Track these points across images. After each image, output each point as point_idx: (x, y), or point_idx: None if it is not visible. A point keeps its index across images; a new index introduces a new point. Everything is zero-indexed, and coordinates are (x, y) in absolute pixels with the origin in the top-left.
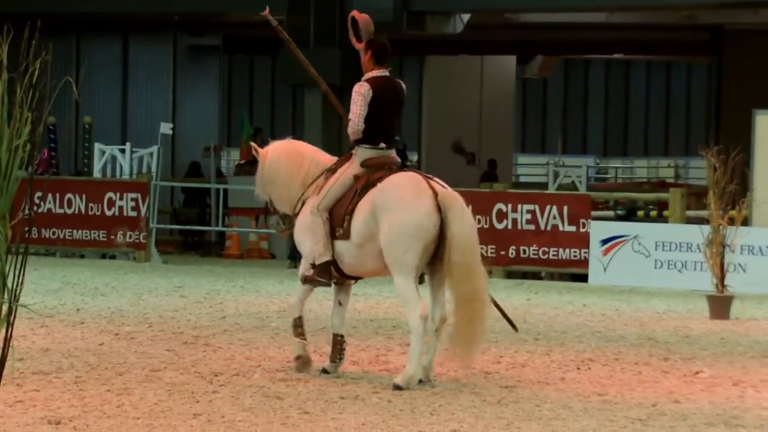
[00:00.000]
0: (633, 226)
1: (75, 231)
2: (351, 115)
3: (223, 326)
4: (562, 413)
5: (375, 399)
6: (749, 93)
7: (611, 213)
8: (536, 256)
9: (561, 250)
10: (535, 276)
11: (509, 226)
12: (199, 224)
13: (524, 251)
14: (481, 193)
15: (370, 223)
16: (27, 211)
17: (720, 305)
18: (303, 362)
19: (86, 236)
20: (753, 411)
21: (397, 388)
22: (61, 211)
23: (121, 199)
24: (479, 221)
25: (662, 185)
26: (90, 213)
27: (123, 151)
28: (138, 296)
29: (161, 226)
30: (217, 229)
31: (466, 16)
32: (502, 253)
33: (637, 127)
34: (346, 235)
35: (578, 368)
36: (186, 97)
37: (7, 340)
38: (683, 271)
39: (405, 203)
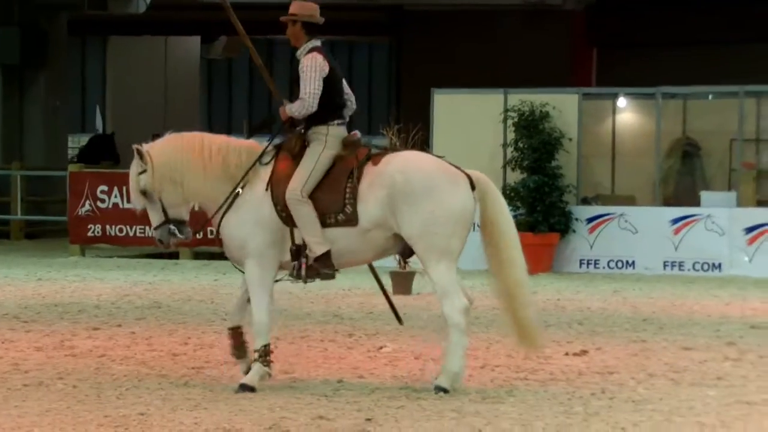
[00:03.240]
0: None
1: None
2: (304, 93)
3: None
4: (248, 392)
5: (60, 385)
6: (428, 72)
7: None
8: None
9: None
10: (223, 257)
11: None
12: None
13: (211, 232)
14: None
15: (385, 209)
16: None
17: (402, 281)
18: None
19: None
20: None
21: (442, 390)
22: None
23: None
24: None
25: None
26: None
27: None
28: None
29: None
30: None
31: None
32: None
33: None
34: (350, 222)
35: None
36: None
37: None
38: None
39: (443, 187)
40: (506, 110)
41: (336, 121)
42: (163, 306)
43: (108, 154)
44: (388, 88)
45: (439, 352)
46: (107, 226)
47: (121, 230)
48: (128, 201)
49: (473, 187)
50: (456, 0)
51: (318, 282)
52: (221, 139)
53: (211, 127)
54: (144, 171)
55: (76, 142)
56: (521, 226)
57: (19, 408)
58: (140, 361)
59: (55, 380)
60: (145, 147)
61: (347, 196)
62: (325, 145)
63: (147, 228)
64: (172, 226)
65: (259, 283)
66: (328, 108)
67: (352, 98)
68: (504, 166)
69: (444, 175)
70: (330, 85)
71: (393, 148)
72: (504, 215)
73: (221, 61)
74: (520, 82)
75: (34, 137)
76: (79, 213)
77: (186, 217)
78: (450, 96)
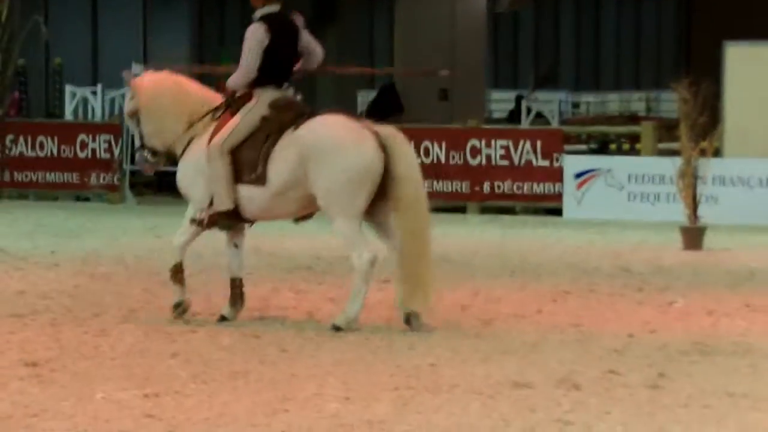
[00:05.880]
0: (606, 160)
1: (48, 173)
2: (242, 64)
3: (199, 266)
4: (538, 346)
5: (352, 336)
6: (718, 25)
7: (584, 147)
8: (510, 192)
9: (535, 184)
10: (510, 211)
11: (483, 162)
12: (173, 164)
13: (498, 186)
14: (453, 129)
15: (297, 170)
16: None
17: (693, 236)
18: (183, 309)
19: (59, 179)
20: (726, 339)
21: (337, 329)
22: (34, 154)
23: (93, 141)
24: (453, 157)
25: (634, 119)
26: (63, 155)
27: (95, 93)
28: (113, 237)
29: (135, 167)
30: None
31: None
32: (477, 188)
33: (608, 61)
34: (260, 181)
35: (554, 301)
36: (157, 38)
37: None
38: (656, 204)
39: (348, 146)
40: None
41: (271, 86)
42: (451, 259)
43: (394, 106)
44: (677, 42)
45: (729, 307)
46: None
47: None
48: (417, 155)
49: (383, 145)
50: None
51: (606, 237)
52: (195, 87)
53: (496, 82)
54: (132, 97)
55: (365, 98)
56: None
57: (313, 357)
58: (430, 312)
59: (347, 331)
60: (139, 77)
61: (261, 156)
62: (254, 106)
63: (434, 182)
64: (146, 152)
65: (192, 225)
66: (266, 74)
67: (317, 50)
68: None
69: (350, 134)
70: (270, 54)
71: (316, 112)
72: (408, 169)
73: (507, 15)
74: None
75: (325, 94)
76: None
77: (159, 148)
78: (744, 49)
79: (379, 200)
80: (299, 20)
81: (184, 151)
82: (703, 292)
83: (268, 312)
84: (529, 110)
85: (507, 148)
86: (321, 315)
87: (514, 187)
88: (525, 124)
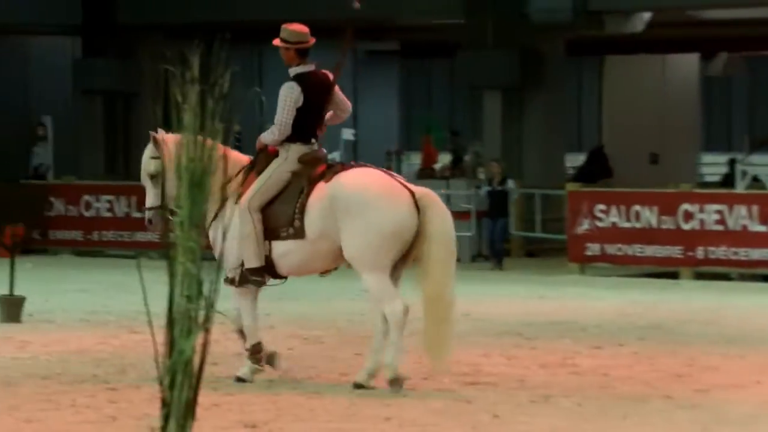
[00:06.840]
0: None
1: None
2: (277, 122)
3: (411, 329)
4: (759, 418)
5: (566, 403)
6: None
7: None
8: (725, 257)
9: (751, 250)
10: (725, 277)
11: (696, 227)
12: None
13: (712, 252)
14: (665, 193)
15: (328, 221)
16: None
17: None
18: (245, 380)
19: None
20: None
21: (396, 384)
22: None
23: None
24: (665, 222)
25: None
26: None
27: None
28: (326, 300)
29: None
30: None
31: (646, 15)
32: (690, 254)
33: None
34: (299, 235)
35: None
36: (366, 102)
37: (204, 345)
38: None
39: (382, 202)
40: None
41: (299, 143)
42: (664, 326)
43: (603, 170)
44: None
45: None
46: (605, 245)
47: (619, 249)
48: (627, 219)
49: (417, 204)
50: None
51: None
52: (227, 150)
53: (708, 145)
54: (157, 157)
55: (573, 161)
56: None
57: (526, 424)
58: (643, 381)
59: (561, 398)
60: (162, 135)
61: (296, 210)
62: (283, 162)
63: (645, 247)
64: (166, 213)
65: (239, 291)
66: (298, 131)
67: (346, 106)
68: None
69: (385, 190)
70: (303, 113)
71: (348, 165)
72: (438, 231)
73: (720, 79)
74: None
75: (532, 156)
76: (578, 231)
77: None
78: None
79: (404, 256)
80: (332, 78)
81: (216, 214)
82: None
83: (479, 377)
84: (744, 174)
85: (721, 213)
86: (533, 381)
87: (730, 253)
88: (740, 188)
